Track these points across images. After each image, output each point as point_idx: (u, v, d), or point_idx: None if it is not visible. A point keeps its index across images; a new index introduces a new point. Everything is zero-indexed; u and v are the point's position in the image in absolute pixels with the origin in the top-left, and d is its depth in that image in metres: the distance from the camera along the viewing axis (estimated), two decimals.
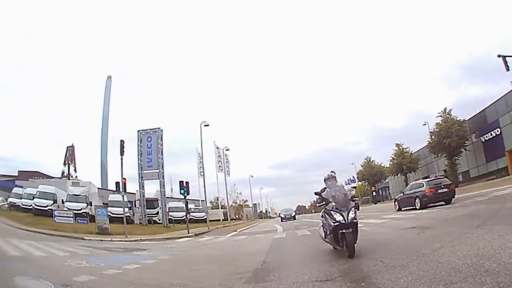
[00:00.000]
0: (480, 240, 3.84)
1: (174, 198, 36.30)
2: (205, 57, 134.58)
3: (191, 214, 29.33)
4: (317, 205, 5.67)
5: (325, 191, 5.10)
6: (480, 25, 73.67)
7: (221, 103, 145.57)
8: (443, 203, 11.63)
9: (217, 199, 50.28)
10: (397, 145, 38.46)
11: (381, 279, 2.98)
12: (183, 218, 27.23)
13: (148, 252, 8.78)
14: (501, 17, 62.73)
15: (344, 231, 4.63)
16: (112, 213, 20.26)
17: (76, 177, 61.17)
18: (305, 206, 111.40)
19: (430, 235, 5.31)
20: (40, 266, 6.83)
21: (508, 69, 14.80)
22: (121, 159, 14.73)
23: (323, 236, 5.63)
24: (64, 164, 63.21)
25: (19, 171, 50.23)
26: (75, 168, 64.03)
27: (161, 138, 20.36)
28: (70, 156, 64.16)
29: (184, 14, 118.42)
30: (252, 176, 49.20)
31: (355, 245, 4.57)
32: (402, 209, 13.54)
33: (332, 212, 4.81)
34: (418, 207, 11.99)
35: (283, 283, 3.49)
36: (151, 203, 23.92)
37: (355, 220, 4.72)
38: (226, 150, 30.40)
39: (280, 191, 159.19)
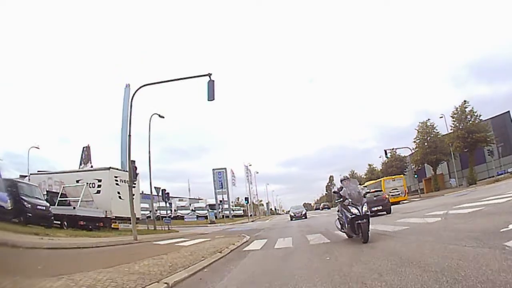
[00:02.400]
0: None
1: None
2: (212, 55, 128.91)
3: (235, 211, 47.89)
4: (336, 201, 7.14)
5: (342, 190, 6.38)
6: (487, 24, 73.31)
7: (230, 104, 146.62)
8: None
9: (238, 199, 69.21)
10: (369, 165, 56.95)
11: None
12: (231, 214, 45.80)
13: (249, 224, 26.89)
14: (507, 16, 62.24)
15: (359, 221, 5.88)
16: (199, 214, 38.61)
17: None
18: (310, 204, 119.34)
19: None
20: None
21: (387, 156, 32.41)
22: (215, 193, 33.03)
23: (340, 228, 7.01)
24: (80, 164, 73.57)
25: (38, 171, 56.32)
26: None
27: (226, 174, 38.75)
28: (86, 156, 75.39)
29: (186, 11, 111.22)
30: (268, 184, 68.17)
31: (369, 232, 5.82)
32: None
33: (349, 206, 6.08)
34: None
35: (295, 224, 21.77)
36: (215, 206, 42.28)
37: (367, 213, 5.95)
38: (256, 173, 48.85)
39: (287, 188, 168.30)
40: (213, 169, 39.04)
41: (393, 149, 44.99)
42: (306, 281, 3.54)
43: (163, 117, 19.64)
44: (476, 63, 75.49)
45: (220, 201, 37.32)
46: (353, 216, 5.98)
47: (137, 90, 11.86)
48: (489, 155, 28.74)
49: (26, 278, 3.77)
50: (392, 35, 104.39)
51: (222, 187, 38.13)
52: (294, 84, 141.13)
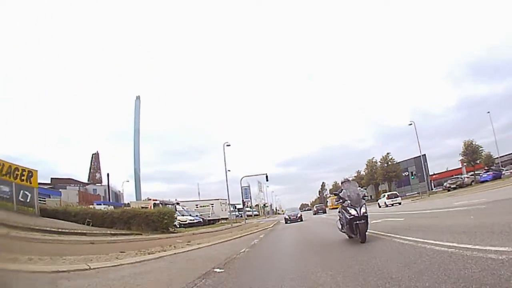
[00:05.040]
0: None
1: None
2: (211, 52, 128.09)
3: (253, 212, 71.71)
4: (336, 203, 7.56)
5: (342, 192, 6.84)
6: (484, 22, 77.91)
7: (227, 103, 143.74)
8: None
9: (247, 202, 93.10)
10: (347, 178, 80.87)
11: None
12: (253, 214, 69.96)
13: (268, 219, 50.57)
14: (505, 15, 67.43)
15: (357, 222, 6.34)
16: (235, 214, 62.32)
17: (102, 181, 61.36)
18: (307, 204, 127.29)
19: None
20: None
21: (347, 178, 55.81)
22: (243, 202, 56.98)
23: (340, 228, 7.34)
24: (90, 170, 66.53)
25: (51, 179, 49.91)
26: (101, 175, 65.86)
27: (249, 188, 62.25)
28: (96, 165, 67.79)
29: (186, 10, 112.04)
30: (273, 191, 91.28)
31: (366, 233, 6.38)
32: None
33: (348, 208, 6.49)
34: None
35: None
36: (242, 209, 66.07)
37: (366, 214, 6.40)
38: (267, 186, 72.42)
39: (286, 188, 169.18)
40: (241, 186, 62.53)
41: (358, 171, 68.52)
42: (293, 228, 26.83)
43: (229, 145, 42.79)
44: (474, 62, 79.54)
45: (250, 207, 60.99)
46: (351, 217, 6.41)
47: (241, 179, 35.48)
48: (396, 185, 52.59)
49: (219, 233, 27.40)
50: (391, 33, 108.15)
51: (247, 198, 61.84)
52: (293, 82, 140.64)
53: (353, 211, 6.39)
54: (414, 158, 62.72)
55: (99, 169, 68.98)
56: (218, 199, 40.09)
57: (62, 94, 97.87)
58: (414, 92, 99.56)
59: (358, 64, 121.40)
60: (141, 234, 15.84)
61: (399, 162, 56.87)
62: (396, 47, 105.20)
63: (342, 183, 7.52)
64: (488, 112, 43.19)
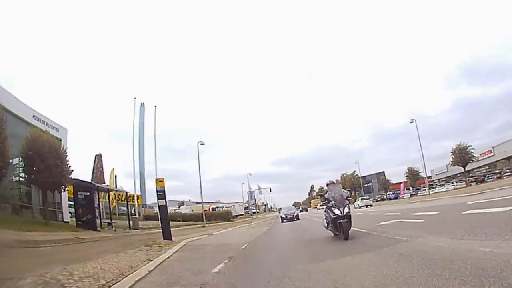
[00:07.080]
0: None
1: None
2: (207, 55, 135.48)
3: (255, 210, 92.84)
4: (322, 203, 8.33)
5: (327, 193, 7.38)
6: (480, 25, 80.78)
7: (225, 102, 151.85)
8: None
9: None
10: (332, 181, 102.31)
11: None
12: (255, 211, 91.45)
13: (269, 215, 71.74)
14: (501, 18, 69.96)
15: (341, 221, 6.91)
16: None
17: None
18: (300, 202, 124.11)
19: None
20: None
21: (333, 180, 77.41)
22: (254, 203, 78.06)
23: (326, 226, 7.92)
24: (93, 171, 69.00)
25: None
26: (103, 176, 68.21)
27: (254, 194, 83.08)
28: (99, 167, 70.17)
29: (186, 10, 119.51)
30: (270, 193, 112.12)
31: (349, 231, 7.03)
32: None
33: (332, 208, 7.08)
34: None
35: None
36: (248, 207, 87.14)
37: (349, 214, 7.02)
38: (268, 192, 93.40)
39: (280, 187, 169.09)
40: (248, 191, 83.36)
41: (337, 179, 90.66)
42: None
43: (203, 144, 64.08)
44: (469, 66, 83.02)
45: (255, 204, 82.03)
46: (335, 216, 6.97)
47: (255, 190, 56.52)
48: (363, 193, 74.45)
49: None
50: (391, 35, 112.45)
51: (252, 199, 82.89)
52: (293, 82, 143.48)
53: (337, 211, 6.94)
54: (377, 173, 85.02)
55: (103, 170, 71.85)
56: (238, 202, 61.40)
57: (60, 93, 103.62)
58: (412, 94, 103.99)
59: (357, 65, 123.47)
60: (221, 221, 36.61)
61: (364, 176, 78.95)
62: (396, 49, 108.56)
63: (327, 185, 8.01)
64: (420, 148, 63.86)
